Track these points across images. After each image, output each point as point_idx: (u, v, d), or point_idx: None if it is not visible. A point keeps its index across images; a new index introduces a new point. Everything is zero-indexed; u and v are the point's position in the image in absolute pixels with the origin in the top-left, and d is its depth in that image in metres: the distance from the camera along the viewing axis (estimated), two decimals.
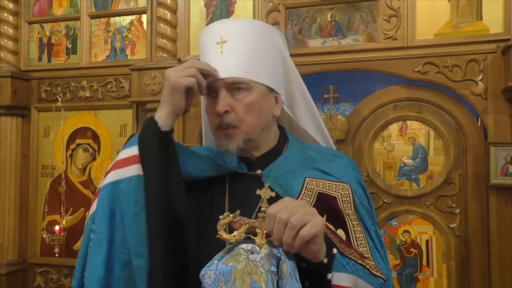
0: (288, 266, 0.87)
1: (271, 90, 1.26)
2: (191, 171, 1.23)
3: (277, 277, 0.86)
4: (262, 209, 0.93)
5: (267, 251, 0.88)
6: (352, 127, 2.47)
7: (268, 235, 0.92)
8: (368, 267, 1.06)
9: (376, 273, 1.07)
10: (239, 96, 1.19)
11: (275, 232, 0.89)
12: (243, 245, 0.90)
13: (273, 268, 0.86)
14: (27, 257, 2.97)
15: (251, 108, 1.19)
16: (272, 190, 1.00)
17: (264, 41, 1.26)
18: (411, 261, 2.39)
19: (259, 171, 1.23)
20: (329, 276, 0.96)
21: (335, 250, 0.98)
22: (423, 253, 2.37)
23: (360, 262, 1.05)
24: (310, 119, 1.40)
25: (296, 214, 0.89)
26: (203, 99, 1.37)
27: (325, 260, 0.95)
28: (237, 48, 1.21)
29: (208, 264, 0.91)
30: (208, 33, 1.28)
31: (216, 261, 0.91)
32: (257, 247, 0.90)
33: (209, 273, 0.88)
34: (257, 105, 1.20)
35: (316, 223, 0.90)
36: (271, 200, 0.96)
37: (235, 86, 1.19)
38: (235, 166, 1.25)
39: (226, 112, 1.17)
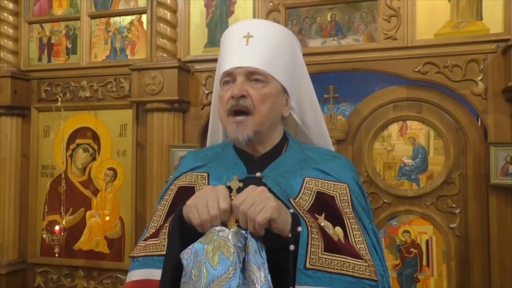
0: (253, 244, 1.00)
1: (284, 90, 1.33)
2: None
3: (243, 253, 1.00)
4: (232, 197, 1.09)
5: (235, 230, 1.03)
6: (352, 127, 2.47)
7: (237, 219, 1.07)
8: (352, 274, 1.05)
9: (366, 275, 1.07)
10: (256, 86, 1.26)
11: (241, 222, 1.04)
12: (217, 227, 1.04)
13: (239, 244, 1.00)
14: (27, 257, 2.97)
15: (266, 99, 1.26)
16: (240, 181, 1.19)
17: (286, 47, 1.35)
18: (411, 261, 2.39)
19: (258, 174, 1.27)
20: (291, 247, 1.06)
21: (299, 228, 1.07)
22: (423, 253, 2.37)
23: (338, 272, 1.05)
24: (316, 127, 1.47)
25: (253, 205, 1.02)
26: (215, 88, 1.43)
27: (289, 235, 1.07)
28: (261, 44, 1.30)
29: (188, 247, 1.04)
30: (236, 28, 1.38)
31: (194, 243, 1.04)
32: (227, 229, 1.04)
33: (187, 251, 1.02)
34: (271, 99, 1.27)
35: (267, 208, 1.02)
36: (240, 190, 1.13)
37: (253, 77, 1.26)
38: (235, 173, 1.28)
39: (243, 96, 1.23)
